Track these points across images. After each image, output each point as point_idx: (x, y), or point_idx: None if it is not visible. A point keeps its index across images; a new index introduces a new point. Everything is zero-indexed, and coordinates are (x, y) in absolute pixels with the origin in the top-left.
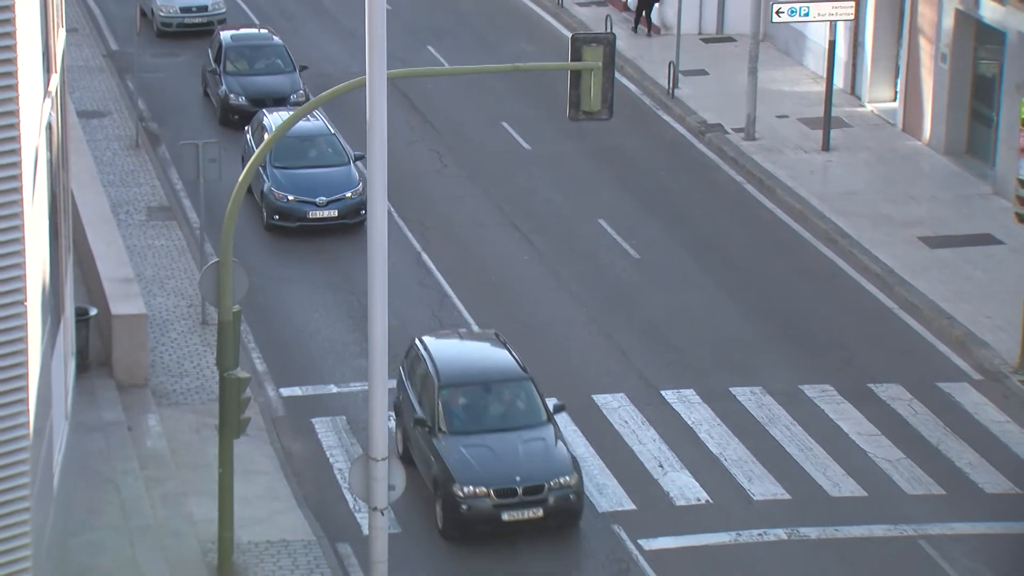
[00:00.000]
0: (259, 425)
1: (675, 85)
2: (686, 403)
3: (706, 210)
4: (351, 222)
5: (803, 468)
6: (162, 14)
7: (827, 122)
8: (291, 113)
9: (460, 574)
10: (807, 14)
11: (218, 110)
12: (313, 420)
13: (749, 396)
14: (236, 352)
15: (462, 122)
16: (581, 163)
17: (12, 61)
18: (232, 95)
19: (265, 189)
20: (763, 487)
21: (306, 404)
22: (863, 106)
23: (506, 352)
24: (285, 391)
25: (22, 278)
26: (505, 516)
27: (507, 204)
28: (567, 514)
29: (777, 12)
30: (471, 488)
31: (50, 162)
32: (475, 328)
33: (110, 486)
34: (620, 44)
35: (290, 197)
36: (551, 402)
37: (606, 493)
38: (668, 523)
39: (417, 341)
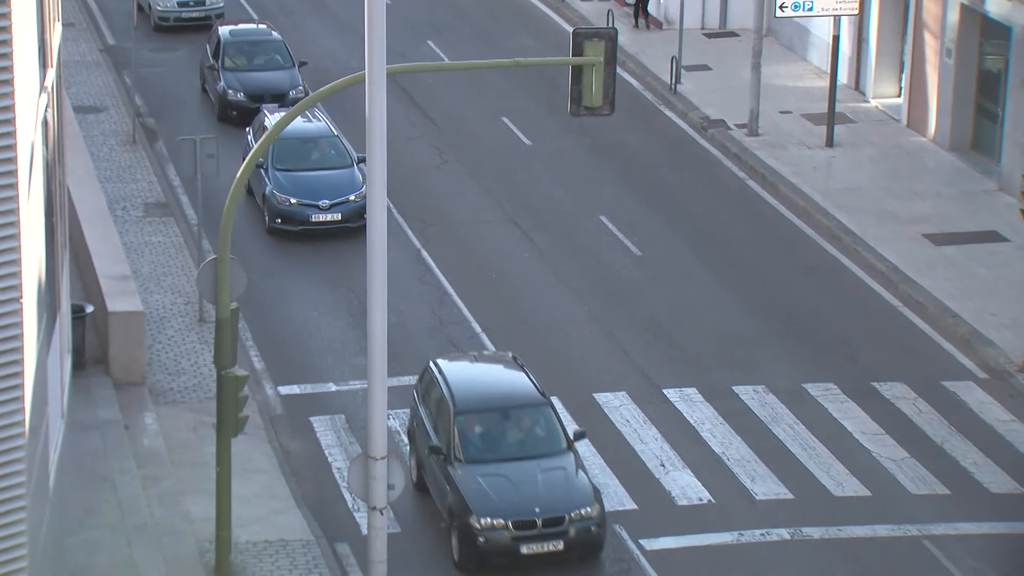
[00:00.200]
0: (257, 423)
1: (677, 80)
2: (688, 401)
3: (708, 206)
4: (354, 226)
5: (806, 467)
6: (159, 8)
7: (831, 118)
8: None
9: (459, 575)
10: (811, 9)
11: (216, 106)
12: (312, 419)
13: (752, 394)
14: (234, 350)
15: (462, 117)
16: (582, 159)
17: (8, 56)
18: (230, 91)
19: (267, 192)
20: (766, 486)
21: (305, 402)
22: (867, 102)
23: (524, 376)
24: (283, 389)
25: (18, 275)
26: (524, 549)
27: (508, 200)
28: (588, 547)
29: (781, 7)
30: (488, 520)
31: (46, 158)
32: (491, 349)
33: (107, 485)
34: (622, 39)
35: (292, 200)
36: (570, 428)
37: (607, 493)
38: (670, 523)
39: (431, 364)
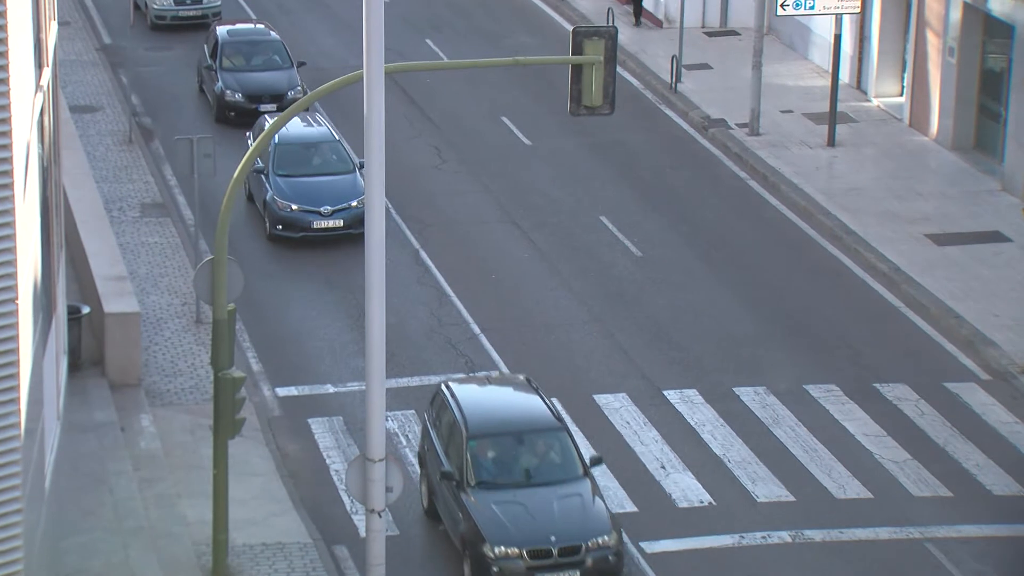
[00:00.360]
0: (254, 425)
1: (678, 79)
2: (689, 403)
3: (709, 207)
4: (356, 232)
5: (807, 469)
6: (156, 7)
7: (832, 117)
8: (295, 120)
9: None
10: (812, 7)
11: (214, 107)
12: (309, 420)
13: (753, 396)
14: (231, 351)
15: (461, 117)
16: (582, 159)
17: (3, 55)
18: (228, 91)
19: (267, 198)
20: (767, 489)
21: (302, 404)
22: (869, 101)
23: (538, 399)
24: (281, 391)
25: (13, 276)
26: None
27: (507, 200)
28: None
29: (782, 5)
30: (503, 548)
31: (42, 158)
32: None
33: (103, 487)
34: (622, 38)
35: (293, 207)
36: (586, 453)
37: (607, 495)
38: (670, 525)
39: (443, 387)
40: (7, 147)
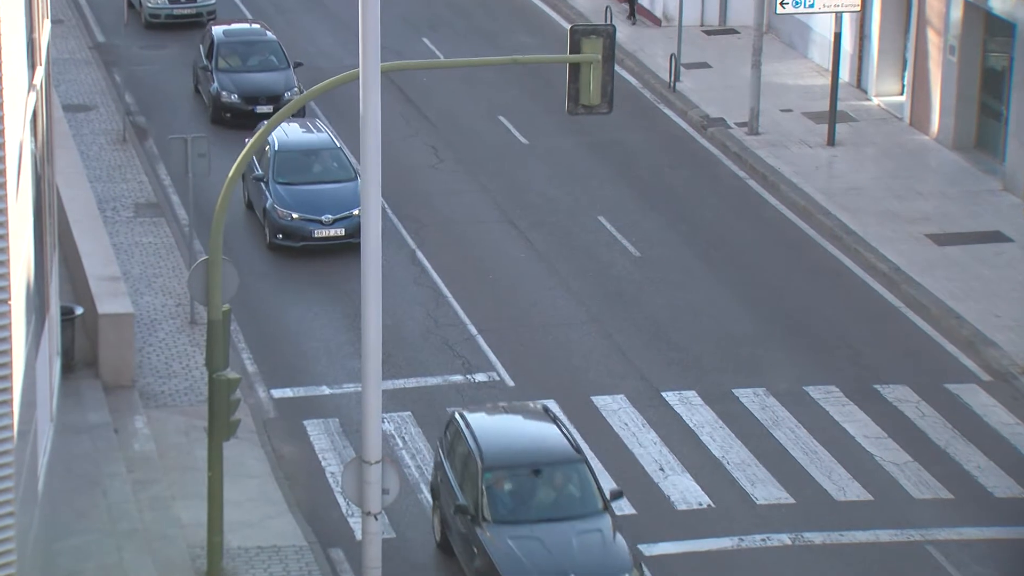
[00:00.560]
0: (249, 427)
1: (676, 78)
2: (688, 404)
3: (708, 206)
4: (358, 241)
5: (807, 471)
6: (150, 5)
7: (832, 116)
8: (293, 126)
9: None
10: (812, 5)
11: (210, 108)
12: (305, 422)
13: (752, 397)
14: (226, 352)
15: (458, 116)
16: (580, 158)
17: None
18: (224, 93)
19: (267, 206)
20: (766, 491)
21: (298, 406)
22: (869, 100)
23: (556, 429)
24: (276, 392)
25: (6, 276)
26: None
27: (504, 200)
28: None
29: (781, 3)
30: None
31: (35, 157)
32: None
33: (96, 489)
34: (620, 36)
35: (294, 215)
36: (606, 486)
37: None
38: (669, 528)
39: (457, 416)
40: (0, 146)
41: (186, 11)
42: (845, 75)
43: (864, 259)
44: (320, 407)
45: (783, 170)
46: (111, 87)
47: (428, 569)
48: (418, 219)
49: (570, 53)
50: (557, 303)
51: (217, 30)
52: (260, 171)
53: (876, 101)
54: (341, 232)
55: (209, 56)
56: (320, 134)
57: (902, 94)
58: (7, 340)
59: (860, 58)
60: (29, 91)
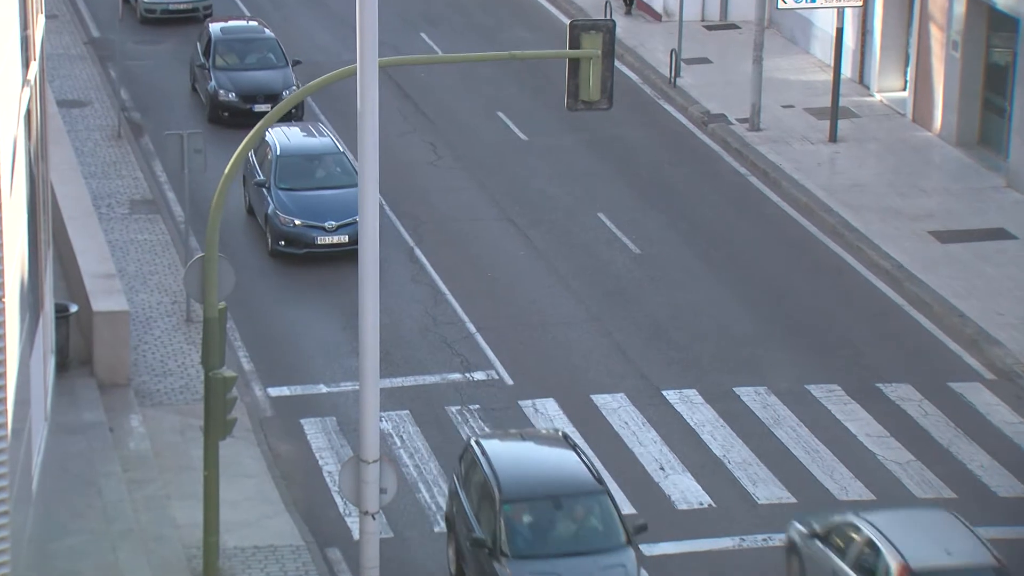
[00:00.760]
0: (246, 426)
1: (677, 74)
2: (688, 403)
3: (709, 203)
4: None
5: (809, 471)
6: (145, 0)
7: (834, 112)
8: (294, 130)
9: None
10: (814, 0)
11: (207, 107)
12: (302, 421)
13: (753, 396)
14: (222, 350)
15: (457, 112)
16: (580, 154)
17: None
18: (222, 91)
19: (269, 212)
20: (768, 490)
21: (295, 404)
22: (872, 96)
23: (576, 458)
24: (273, 391)
25: (0, 273)
26: None
27: (503, 197)
28: None
29: None
30: None
31: (29, 153)
32: (541, 429)
33: (91, 489)
34: (620, 31)
35: (296, 221)
36: (629, 518)
37: None
38: (669, 528)
39: (473, 444)
40: None
41: (182, 6)
42: (847, 71)
43: (866, 256)
44: (317, 406)
45: (784, 166)
46: (106, 83)
47: (425, 570)
48: (416, 216)
49: (569, 48)
50: (556, 301)
51: (214, 27)
52: (262, 176)
53: (878, 97)
54: (345, 239)
55: (206, 54)
56: (323, 138)
57: (905, 90)
58: (1, 338)
59: (862, 53)
60: (23, 87)
